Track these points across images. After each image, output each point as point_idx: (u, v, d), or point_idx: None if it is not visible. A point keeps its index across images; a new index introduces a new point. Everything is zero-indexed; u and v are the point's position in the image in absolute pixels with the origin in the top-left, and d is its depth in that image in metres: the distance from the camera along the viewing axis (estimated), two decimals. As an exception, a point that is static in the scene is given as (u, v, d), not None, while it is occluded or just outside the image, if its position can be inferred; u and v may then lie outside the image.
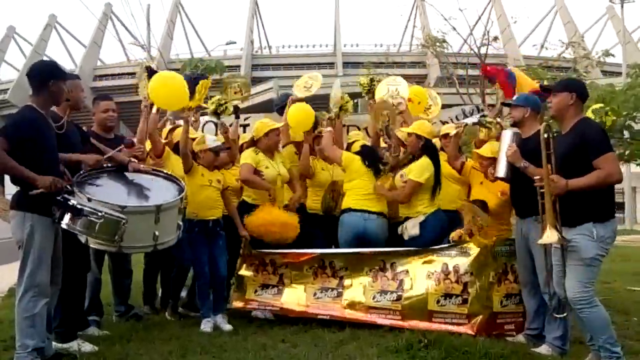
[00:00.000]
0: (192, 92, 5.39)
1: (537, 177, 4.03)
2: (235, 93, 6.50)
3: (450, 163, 5.48)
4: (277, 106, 6.50)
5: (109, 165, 4.44)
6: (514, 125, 4.66)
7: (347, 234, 5.38)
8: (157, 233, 4.07)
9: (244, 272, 5.51)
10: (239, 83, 6.49)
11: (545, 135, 4.03)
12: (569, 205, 3.90)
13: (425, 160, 5.26)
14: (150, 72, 5.34)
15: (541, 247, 4.21)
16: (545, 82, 11.52)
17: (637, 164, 17.16)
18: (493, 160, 4.86)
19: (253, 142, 5.73)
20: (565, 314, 4.18)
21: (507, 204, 4.88)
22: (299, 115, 5.80)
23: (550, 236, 3.87)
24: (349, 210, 5.38)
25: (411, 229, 5.21)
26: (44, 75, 3.90)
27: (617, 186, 4.25)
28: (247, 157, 5.55)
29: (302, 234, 5.43)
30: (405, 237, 5.25)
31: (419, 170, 5.21)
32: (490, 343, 4.41)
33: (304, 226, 5.45)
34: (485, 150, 5.11)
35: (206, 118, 6.34)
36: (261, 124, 5.71)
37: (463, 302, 4.87)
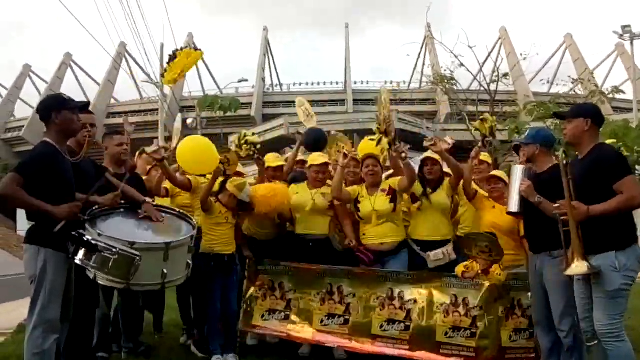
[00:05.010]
0: None
1: (557, 205, 3.91)
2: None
3: (468, 183, 5.26)
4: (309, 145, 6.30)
5: (122, 202, 4.44)
6: (527, 162, 4.56)
7: None
8: (165, 271, 4.05)
9: (251, 295, 5.42)
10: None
11: (565, 162, 3.94)
12: (589, 233, 3.77)
13: None
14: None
15: (559, 282, 4.14)
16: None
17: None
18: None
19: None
20: (596, 342, 3.92)
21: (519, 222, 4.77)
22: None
23: (579, 266, 3.73)
24: None
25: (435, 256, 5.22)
26: (46, 109, 3.91)
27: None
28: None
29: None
30: (431, 266, 5.22)
31: None
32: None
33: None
34: (501, 173, 5.09)
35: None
36: (311, 158, 5.80)
37: (471, 335, 4.82)
